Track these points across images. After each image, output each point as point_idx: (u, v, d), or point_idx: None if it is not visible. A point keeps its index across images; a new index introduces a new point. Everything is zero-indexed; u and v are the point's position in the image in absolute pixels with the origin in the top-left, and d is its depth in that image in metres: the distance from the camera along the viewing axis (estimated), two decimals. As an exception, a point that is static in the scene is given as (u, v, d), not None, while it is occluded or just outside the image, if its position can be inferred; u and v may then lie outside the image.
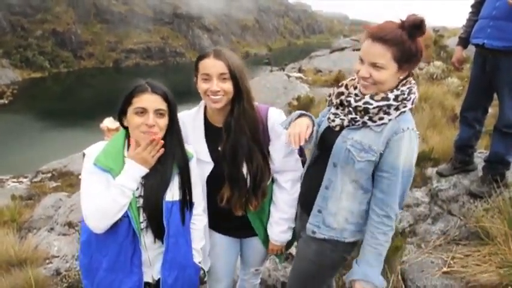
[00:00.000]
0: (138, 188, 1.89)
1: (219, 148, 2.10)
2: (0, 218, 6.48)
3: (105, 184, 1.83)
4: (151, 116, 1.82)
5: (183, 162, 1.99)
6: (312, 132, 2.02)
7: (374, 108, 1.80)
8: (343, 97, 1.94)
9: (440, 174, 3.80)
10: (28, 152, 25.05)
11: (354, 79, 1.97)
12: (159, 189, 1.90)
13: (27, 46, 54.48)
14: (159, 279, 2.04)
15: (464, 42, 3.52)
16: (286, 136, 1.98)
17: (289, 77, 12.58)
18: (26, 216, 6.64)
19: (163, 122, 1.86)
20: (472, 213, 3.24)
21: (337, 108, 1.97)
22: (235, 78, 1.97)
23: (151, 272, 2.04)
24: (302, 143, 1.91)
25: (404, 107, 1.82)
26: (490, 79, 3.20)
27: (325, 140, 2.01)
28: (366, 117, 1.83)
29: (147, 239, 1.95)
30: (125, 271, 1.94)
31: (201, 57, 2.01)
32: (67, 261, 4.36)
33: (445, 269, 2.77)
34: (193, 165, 2.05)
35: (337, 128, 1.94)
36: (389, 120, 1.81)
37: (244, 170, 2.09)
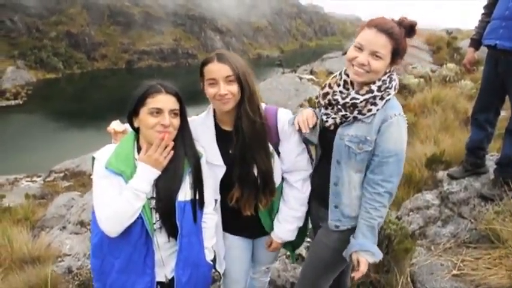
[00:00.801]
0: (150, 189, 1.90)
1: (230, 151, 2.13)
2: (14, 216, 6.61)
3: (117, 188, 1.85)
4: (167, 116, 1.85)
5: (195, 161, 2.01)
6: (316, 122, 2.15)
7: (361, 102, 1.93)
8: (329, 97, 2.06)
9: (451, 177, 3.77)
10: (41, 152, 25.36)
11: (335, 76, 2.11)
12: (172, 189, 1.93)
13: (41, 47, 55.17)
14: (172, 278, 2.06)
15: (476, 43, 3.50)
16: (295, 123, 2.11)
17: (301, 79, 12.58)
18: (39, 214, 6.76)
19: (177, 121, 1.90)
20: (483, 216, 3.20)
21: (327, 108, 2.09)
22: (240, 79, 2.00)
23: (164, 271, 2.06)
24: (311, 125, 2.09)
25: (388, 94, 1.96)
26: (503, 80, 3.17)
27: (324, 140, 2.12)
28: (356, 112, 1.96)
29: (160, 239, 1.97)
30: (138, 272, 1.96)
31: (205, 62, 2.04)
32: (79, 259, 4.43)
33: (454, 272, 2.75)
34: (203, 164, 2.07)
35: (332, 127, 2.06)
36: (377, 110, 1.95)
37: (255, 171, 2.12)
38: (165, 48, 65.94)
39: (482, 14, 3.49)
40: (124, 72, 58.57)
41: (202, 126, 2.20)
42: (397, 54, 1.92)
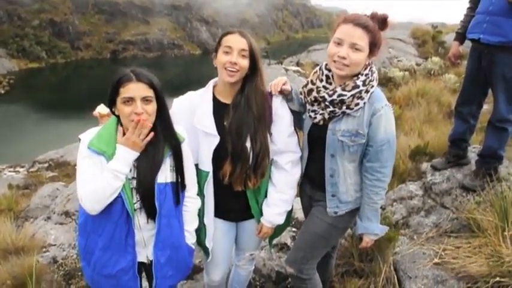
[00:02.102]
0: (131, 170, 1.95)
1: (225, 123, 2.18)
2: (-3, 207, 6.50)
3: (99, 167, 1.91)
4: (139, 104, 1.87)
5: (175, 144, 2.04)
6: (291, 91, 2.31)
7: (348, 98, 2.04)
8: (314, 93, 2.15)
9: (435, 168, 3.84)
10: (24, 142, 24.97)
11: (316, 72, 2.22)
12: (151, 171, 1.97)
13: (24, 36, 54.01)
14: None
15: (461, 37, 3.55)
16: (268, 87, 2.28)
17: (287, 70, 12.56)
18: (23, 205, 6.66)
19: (151, 108, 1.91)
20: (464, 206, 3.28)
21: (313, 105, 2.19)
22: (253, 57, 2.14)
23: (146, 252, 2.11)
24: (278, 89, 2.25)
25: (372, 87, 2.08)
26: (485, 74, 3.23)
27: (316, 135, 2.23)
28: (344, 107, 2.08)
29: (141, 219, 2.02)
30: (120, 250, 2.01)
31: (227, 33, 2.18)
32: (64, 249, 4.40)
33: (436, 260, 2.81)
34: (185, 148, 2.10)
35: (321, 123, 2.18)
36: (364, 103, 2.07)
37: (248, 146, 2.17)
38: (151, 39, 65.16)
39: (468, 8, 3.54)
40: (109, 62, 57.78)
41: (199, 98, 2.27)
42: (374, 46, 2.02)
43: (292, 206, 2.51)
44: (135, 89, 1.86)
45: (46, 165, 10.35)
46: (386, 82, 9.20)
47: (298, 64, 14.24)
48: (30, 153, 14.02)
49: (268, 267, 3.39)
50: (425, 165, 4.17)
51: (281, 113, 2.27)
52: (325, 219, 2.31)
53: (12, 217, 5.80)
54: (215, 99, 2.27)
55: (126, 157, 1.90)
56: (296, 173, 2.35)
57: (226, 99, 2.25)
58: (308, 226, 2.41)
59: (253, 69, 2.16)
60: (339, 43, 2.01)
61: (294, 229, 3.79)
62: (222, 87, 2.26)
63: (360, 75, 2.06)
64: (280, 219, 2.38)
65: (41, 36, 55.70)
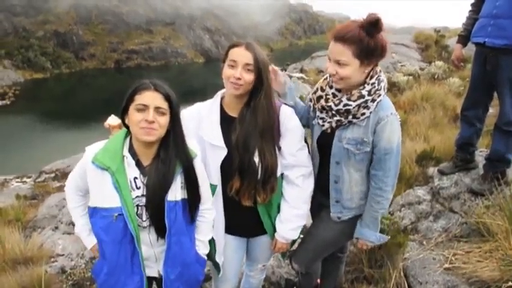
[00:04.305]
0: (140, 188, 1.92)
1: (232, 137, 2.14)
2: (5, 218, 6.52)
3: (99, 181, 1.90)
4: (151, 112, 1.83)
5: (187, 161, 1.99)
6: (285, 85, 2.32)
7: (354, 108, 2.02)
8: (322, 101, 2.14)
9: (442, 172, 3.83)
10: (31, 153, 25.04)
11: (326, 78, 2.19)
12: (161, 188, 1.92)
13: (28, 47, 54.30)
14: None
15: (464, 40, 3.55)
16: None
17: (291, 77, 12.58)
18: (31, 215, 6.68)
19: (164, 120, 1.87)
20: (473, 211, 3.26)
21: (321, 112, 2.17)
22: (258, 71, 2.07)
23: (158, 267, 2.08)
24: (274, 76, 2.23)
25: (379, 96, 2.03)
26: (491, 77, 3.22)
27: (324, 142, 2.23)
28: (350, 117, 2.06)
29: (151, 236, 1.99)
30: (126, 273, 1.98)
31: (233, 45, 2.13)
32: (72, 259, 4.40)
33: (446, 265, 2.80)
34: (198, 163, 2.06)
35: (329, 131, 2.18)
36: (370, 112, 2.04)
37: (256, 161, 2.13)
38: (154, 47, 65.35)
39: (470, 11, 3.54)
40: (113, 72, 57.96)
41: (207, 109, 2.24)
42: (367, 54, 1.93)
43: None
44: (151, 97, 1.84)
45: (53, 175, 10.38)
46: (390, 87, 9.16)
47: (301, 71, 14.26)
48: (36, 164, 14.07)
49: (277, 274, 3.38)
50: (432, 170, 4.16)
51: (290, 126, 2.22)
52: (335, 226, 2.33)
53: (20, 227, 5.82)
54: (223, 112, 2.24)
55: (83, 238, 2.16)
56: (308, 186, 2.30)
57: (233, 112, 2.21)
58: (318, 230, 2.44)
59: (259, 83, 2.10)
60: (329, 59, 2.02)
61: (302, 236, 3.77)
62: (229, 100, 2.23)
63: (366, 85, 2.02)
64: (295, 234, 2.34)
65: (45, 47, 56.03)
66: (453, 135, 4.27)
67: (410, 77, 9.72)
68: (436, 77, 9.82)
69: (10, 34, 55.34)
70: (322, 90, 2.18)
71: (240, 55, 2.06)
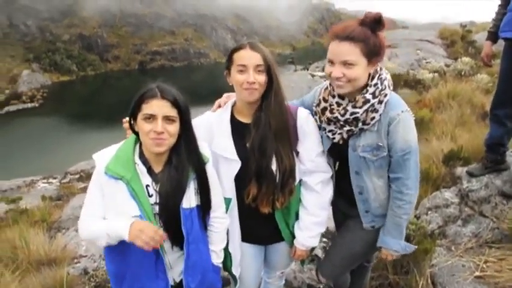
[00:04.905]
0: (152, 195, 1.87)
1: (247, 144, 2.06)
2: (31, 218, 6.67)
3: (114, 191, 1.83)
4: (159, 123, 1.76)
5: (199, 167, 1.94)
6: None
7: (362, 114, 1.92)
8: (327, 113, 2.03)
9: (471, 174, 3.66)
10: (58, 154, 25.72)
11: (327, 88, 2.08)
12: (175, 196, 1.87)
13: (55, 50, 55.89)
14: (180, 281, 2.04)
15: (493, 36, 3.39)
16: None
17: (313, 76, 12.45)
18: (56, 216, 6.81)
19: (174, 128, 1.81)
20: (505, 215, 3.11)
21: (329, 124, 2.06)
22: (269, 71, 1.98)
23: (172, 274, 2.04)
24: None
25: (385, 95, 1.94)
26: None
27: (337, 153, 2.14)
28: (360, 124, 1.96)
29: (165, 244, 1.93)
30: (151, 278, 1.93)
31: (237, 49, 2.01)
32: (94, 260, 4.43)
33: (477, 273, 2.67)
34: (209, 168, 2.01)
35: (341, 142, 2.07)
36: (380, 115, 1.93)
37: (274, 166, 2.05)
38: (177, 48, 66.22)
39: (499, 5, 3.38)
40: (137, 73, 59.00)
41: (218, 119, 2.16)
42: (372, 53, 1.87)
43: None
44: (158, 106, 1.76)
45: (77, 176, 10.58)
46: (415, 85, 8.97)
47: (324, 69, 14.10)
48: (63, 164, 14.39)
49: (299, 279, 3.30)
50: (460, 170, 4.01)
51: (307, 130, 2.13)
52: (363, 236, 2.22)
53: (46, 228, 5.93)
54: (234, 120, 2.15)
55: (119, 234, 1.78)
56: (327, 193, 2.21)
57: (245, 118, 2.12)
58: (345, 242, 2.31)
59: (270, 83, 2.01)
60: (332, 62, 1.90)
61: (324, 239, 3.69)
62: (241, 106, 2.13)
63: (368, 87, 1.93)
64: (315, 242, 2.26)
65: (71, 50, 57.53)
66: (482, 134, 4.10)
67: (436, 74, 9.47)
68: (462, 73, 9.54)
69: (37, 38, 57.04)
70: (325, 101, 2.07)
71: (249, 57, 1.96)
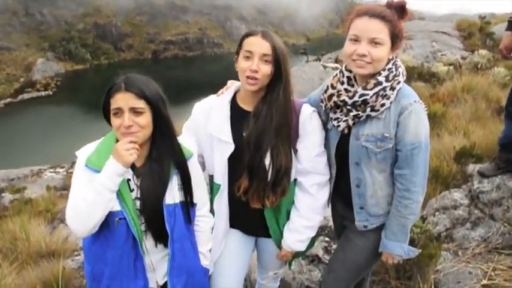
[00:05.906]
0: (133, 190, 1.80)
1: (244, 134, 1.99)
2: (36, 209, 6.71)
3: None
4: (126, 116, 1.70)
5: (179, 160, 1.87)
6: None
7: (371, 97, 1.82)
8: (334, 97, 1.92)
9: (482, 175, 3.49)
10: (69, 142, 25.99)
11: (336, 76, 1.99)
12: (156, 191, 1.80)
13: (70, 39, 56.39)
14: (164, 284, 1.97)
15: None
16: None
17: (325, 67, 12.26)
18: (60, 206, 6.84)
19: (143, 120, 1.74)
20: (517, 219, 2.96)
21: (335, 112, 1.95)
22: (277, 62, 1.91)
23: (155, 277, 1.95)
24: None
25: (398, 83, 1.85)
26: None
27: (342, 143, 2.01)
28: (368, 109, 1.85)
29: (147, 243, 1.87)
30: (129, 277, 1.86)
31: (248, 34, 1.97)
32: (94, 254, 4.39)
33: (484, 282, 2.54)
34: (193, 163, 1.93)
35: (346, 131, 1.95)
36: (391, 102, 1.84)
37: (267, 161, 1.97)
38: (191, 38, 66.28)
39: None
40: (150, 62, 59.27)
41: (218, 102, 2.09)
42: (396, 37, 1.83)
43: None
44: (123, 99, 1.71)
45: (85, 165, 10.62)
46: (429, 77, 8.76)
47: (337, 61, 13.88)
48: (72, 153, 14.47)
49: (298, 281, 3.20)
50: (471, 168, 3.88)
51: (310, 128, 2.04)
52: (364, 246, 2.10)
53: (49, 219, 5.93)
54: (235, 106, 2.08)
55: (111, 169, 1.69)
56: (322, 196, 2.11)
57: (248, 106, 2.05)
58: (348, 254, 2.18)
59: (277, 75, 1.93)
60: (356, 40, 1.81)
61: (326, 239, 3.57)
62: (244, 93, 2.07)
63: (382, 71, 1.84)
64: (302, 246, 2.16)
65: (85, 39, 57.98)
66: (496, 130, 3.94)
67: (451, 67, 9.24)
68: (479, 66, 9.28)
69: (53, 27, 57.56)
70: (333, 87, 1.97)
71: (257, 44, 1.90)
